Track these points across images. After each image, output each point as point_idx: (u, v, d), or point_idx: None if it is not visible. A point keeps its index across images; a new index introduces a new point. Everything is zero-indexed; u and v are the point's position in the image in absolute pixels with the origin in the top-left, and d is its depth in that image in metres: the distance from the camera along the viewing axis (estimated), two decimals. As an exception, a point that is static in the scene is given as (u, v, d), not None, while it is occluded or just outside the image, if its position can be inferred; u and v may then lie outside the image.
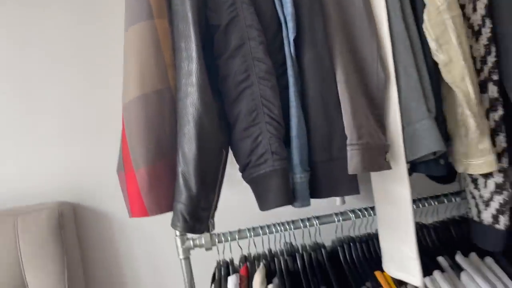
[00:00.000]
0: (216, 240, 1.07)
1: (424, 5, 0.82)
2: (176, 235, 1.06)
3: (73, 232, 1.36)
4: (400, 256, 0.89)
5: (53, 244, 1.25)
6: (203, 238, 1.07)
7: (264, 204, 0.79)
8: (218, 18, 0.76)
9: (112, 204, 1.39)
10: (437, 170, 0.86)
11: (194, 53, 0.72)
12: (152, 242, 1.44)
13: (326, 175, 0.80)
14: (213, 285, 1.09)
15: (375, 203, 0.94)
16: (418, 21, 0.82)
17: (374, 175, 0.91)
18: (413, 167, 0.87)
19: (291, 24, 0.77)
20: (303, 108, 0.79)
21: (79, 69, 1.34)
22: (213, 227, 0.79)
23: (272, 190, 0.76)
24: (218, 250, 1.10)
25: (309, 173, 0.81)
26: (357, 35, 0.81)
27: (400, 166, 0.82)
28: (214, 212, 0.79)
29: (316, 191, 0.81)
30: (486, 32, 0.83)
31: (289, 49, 0.78)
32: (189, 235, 1.07)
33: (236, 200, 1.34)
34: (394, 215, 0.87)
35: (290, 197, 0.77)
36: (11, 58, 1.29)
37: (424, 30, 0.82)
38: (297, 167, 0.79)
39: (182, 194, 0.73)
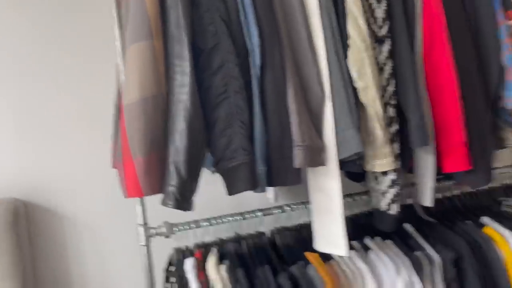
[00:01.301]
0: (175, 229, 1.25)
1: (348, 45, 1.13)
2: (139, 224, 1.21)
3: (25, 229, 1.41)
4: (330, 234, 1.16)
5: (8, 241, 1.29)
6: (163, 227, 1.24)
7: (233, 189, 1.01)
8: (204, 43, 0.99)
9: (63, 203, 1.47)
10: (356, 168, 1.17)
11: (187, 69, 0.93)
12: (102, 242, 1.53)
13: (279, 168, 1.05)
14: (169, 268, 1.25)
15: (310, 194, 1.21)
16: (346, 57, 1.12)
17: (310, 172, 1.17)
18: (340, 165, 1.15)
19: (257, 53, 1.02)
20: (264, 116, 1.04)
21: (36, 68, 1.40)
22: (193, 208, 0.98)
23: (240, 178, 0.99)
24: (174, 238, 1.27)
25: (266, 167, 1.05)
26: (304, 63, 1.09)
27: (333, 164, 1.10)
28: (194, 195, 0.98)
29: (271, 180, 1.05)
30: (387, 69, 1.17)
31: (255, 71, 1.03)
32: (150, 224, 1.23)
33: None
34: (326, 203, 1.15)
35: (254, 184, 1.00)
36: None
37: (349, 63, 1.12)
38: (258, 161, 1.03)
39: (174, 179, 0.92)
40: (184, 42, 0.94)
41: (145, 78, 0.93)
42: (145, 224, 1.22)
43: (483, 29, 1.27)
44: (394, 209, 1.26)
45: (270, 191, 1.40)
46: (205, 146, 1.00)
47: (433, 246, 1.31)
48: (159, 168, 0.94)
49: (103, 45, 1.41)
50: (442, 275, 1.24)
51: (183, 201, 0.93)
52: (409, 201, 1.49)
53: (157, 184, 0.94)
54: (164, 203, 0.93)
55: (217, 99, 0.99)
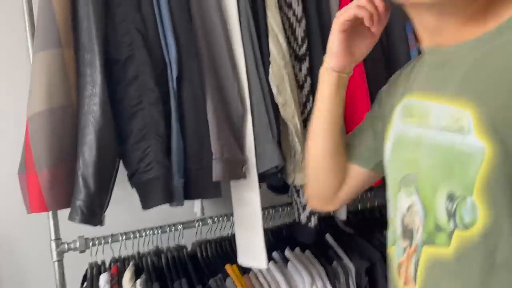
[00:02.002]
0: (90, 244, 1.20)
1: (269, 62, 1.16)
2: (51, 239, 1.16)
3: None
4: (251, 247, 1.17)
5: None
6: (77, 242, 1.19)
7: (148, 203, 0.99)
8: (118, 53, 0.96)
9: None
10: (276, 181, 1.19)
11: (98, 79, 0.91)
12: (18, 256, 1.44)
13: (198, 181, 1.05)
14: (85, 283, 1.20)
15: (233, 207, 1.21)
16: (266, 72, 1.15)
17: (233, 185, 1.18)
18: (261, 178, 1.17)
19: (174, 66, 1.01)
20: (182, 128, 1.03)
21: None
22: (103, 223, 0.95)
23: (155, 192, 0.97)
24: (91, 253, 1.22)
25: (183, 180, 1.04)
26: (224, 77, 1.10)
27: (253, 177, 1.11)
28: (105, 209, 0.95)
29: (189, 193, 1.04)
30: (307, 86, 1.21)
31: (172, 85, 1.02)
32: (64, 239, 1.17)
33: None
34: (248, 216, 1.16)
35: (169, 198, 0.99)
36: None
37: (269, 79, 1.15)
38: (175, 174, 1.02)
39: (81, 192, 0.89)
40: (95, 51, 0.92)
41: (52, 88, 0.89)
42: (58, 239, 1.16)
43: (396, 51, 1.35)
44: (313, 222, 1.30)
45: (197, 205, 1.39)
46: (117, 159, 0.97)
47: (350, 256, 1.36)
48: (67, 182, 0.91)
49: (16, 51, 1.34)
50: (355, 283, 1.29)
51: (91, 215, 0.90)
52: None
53: (63, 198, 0.90)
54: (71, 217, 0.89)
55: (131, 111, 0.97)
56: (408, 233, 0.62)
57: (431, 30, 0.61)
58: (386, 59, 1.36)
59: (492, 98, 0.51)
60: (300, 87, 1.22)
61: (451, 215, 0.54)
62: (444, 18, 0.58)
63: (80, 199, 0.89)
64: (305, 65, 1.21)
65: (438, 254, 0.55)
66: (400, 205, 0.64)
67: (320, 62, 1.20)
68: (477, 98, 0.52)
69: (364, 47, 0.70)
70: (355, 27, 0.67)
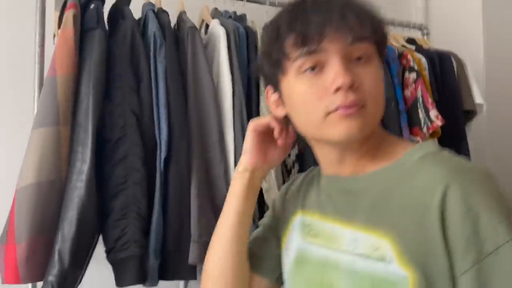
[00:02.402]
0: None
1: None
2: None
3: None
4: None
5: None
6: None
7: (121, 281, 1.00)
8: (111, 134, 1.02)
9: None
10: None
11: (88, 158, 0.96)
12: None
13: (174, 262, 1.06)
14: None
15: None
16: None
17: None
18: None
19: (164, 148, 1.06)
20: (164, 208, 1.06)
21: None
22: (75, 298, 0.96)
23: (130, 271, 0.99)
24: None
25: (159, 260, 1.05)
26: (212, 160, 1.14)
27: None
28: (78, 285, 0.97)
29: (165, 274, 1.06)
30: (294, 172, 1.24)
31: (159, 165, 1.06)
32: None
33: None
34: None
35: (143, 278, 1.00)
36: None
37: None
38: (151, 254, 1.03)
39: (55, 268, 0.91)
40: (89, 131, 0.97)
41: (43, 162, 0.94)
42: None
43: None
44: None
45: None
46: (96, 235, 1.00)
47: None
48: (43, 255, 0.93)
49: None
50: None
51: (62, 292, 0.92)
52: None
53: (38, 272, 0.93)
54: (41, 292, 0.91)
55: (115, 190, 1.01)
56: None
57: (332, 161, 0.66)
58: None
59: (404, 229, 0.56)
60: (288, 172, 1.25)
61: None
62: (344, 153, 0.64)
63: (52, 275, 0.91)
64: (294, 151, 1.25)
65: None
66: None
67: (310, 148, 1.26)
68: (391, 230, 0.56)
69: (276, 155, 0.73)
70: (268, 134, 0.71)
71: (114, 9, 1.19)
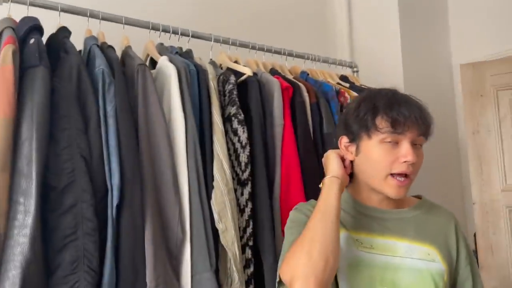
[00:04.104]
0: None
1: (213, 187, 1.17)
2: None
3: None
4: None
5: None
6: None
7: None
8: (57, 180, 0.93)
9: None
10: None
11: (32, 209, 0.86)
12: None
13: (128, 315, 0.98)
14: None
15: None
16: (209, 197, 1.16)
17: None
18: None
19: (116, 193, 0.99)
20: (116, 257, 0.98)
21: None
22: None
23: (80, 331, 0.89)
24: None
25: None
26: (166, 203, 1.09)
27: (188, 307, 1.07)
28: None
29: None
30: (247, 211, 1.23)
31: (111, 212, 0.99)
32: None
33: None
34: None
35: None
36: None
37: (211, 205, 1.15)
38: (104, 310, 0.95)
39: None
40: (32, 179, 0.88)
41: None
42: None
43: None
44: None
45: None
46: (41, 295, 0.89)
47: None
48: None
49: None
50: None
51: None
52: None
53: None
54: None
55: (63, 242, 0.91)
56: None
57: (375, 200, 0.97)
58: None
59: (439, 243, 0.94)
60: (241, 211, 1.24)
61: None
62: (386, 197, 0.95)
63: None
64: (247, 190, 1.24)
65: None
66: None
67: (262, 187, 1.26)
68: (433, 243, 0.93)
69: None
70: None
71: (53, 41, 1.11)
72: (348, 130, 0.95)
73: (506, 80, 1.84)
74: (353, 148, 0.95)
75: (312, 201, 0.99)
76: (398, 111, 0.88)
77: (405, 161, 0.88)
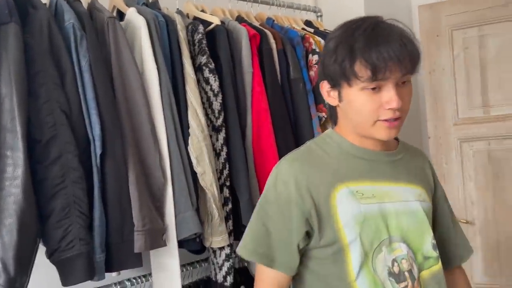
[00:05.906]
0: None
1: (189, 134, 1.24)
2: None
3: None
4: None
5: None
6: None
7: (68, 280, 0.99)
8: (41, 134, 0.98)
9: None
10: (195, 246, 1.26)
11: (20, 161, 0.92)
12: None
13: (118, 253, 1.08)
14: None
15: (152, 271, 1.25)
16: (186, 144, 1.23)
17: (152, 251, 1.22)
18: (180, 244, 1.23)
19: (98, 143, 1.05)
20: (104, 202, 1.06)
21: None
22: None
23: (78, 269, 0.99)
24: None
25: (105, 253, 1.06)
26: (146, 151, 1.16)
27: (172, 244, 1.17)
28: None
29: (111, 266, 1.07)
30: (223, 155, 1.32)
31: (95, 161, 1.05)
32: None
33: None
34: (168, 280, 1.20)
35: (91, 274, 1.01)
36: None
37: (189, 150, 1.23)
38: (97, 249, 1.04)
39: (1, 277, 0.88)
40: (18, 133, 0.93)
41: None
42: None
43: (300, 120, 1.52)
44: (229, 281, 1.37)
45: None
46: (38, 239, 0.97)
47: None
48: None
49: None
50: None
51: (10, 299, 0.89)
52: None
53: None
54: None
55: (53, 190, 0.98)
56: (402, 276, 0.87)
57: (367, 142, 0.91)
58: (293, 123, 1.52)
59: (424, 182, 0.97)
60: (217, 155, 1.32)
61: (435, 246, 0.92)
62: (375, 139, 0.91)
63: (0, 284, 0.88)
64: (221, 135, 1.32)
65: (432, 272, 0.91)
66: (381, 264, 0.87)
67: (236, 132, 1.34)
68: (421, 184, 0.96)
69: None
70: None
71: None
72: (328, 76, 0.88)
73: (460, 20, 1.93)
74: (335, 94, 0.88)
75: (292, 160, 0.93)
76: (378, 53, 0.79)
77: (389, 108, 0.82)
